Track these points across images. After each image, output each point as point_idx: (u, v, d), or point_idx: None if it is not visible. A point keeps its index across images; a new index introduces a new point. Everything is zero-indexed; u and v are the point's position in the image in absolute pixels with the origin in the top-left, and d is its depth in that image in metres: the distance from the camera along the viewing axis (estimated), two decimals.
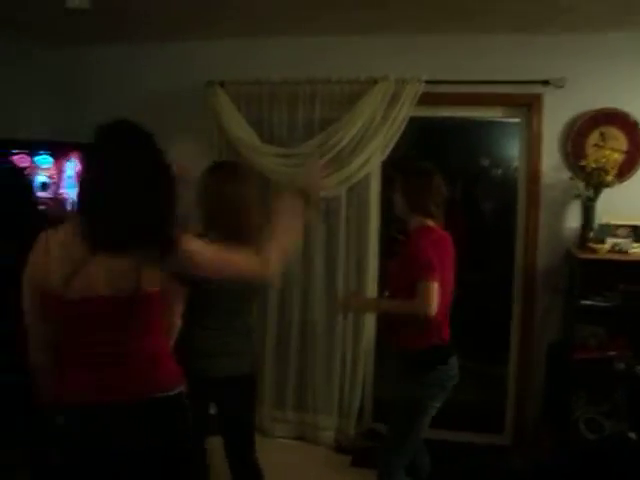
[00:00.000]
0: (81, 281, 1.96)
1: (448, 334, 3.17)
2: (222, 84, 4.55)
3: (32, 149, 4.44)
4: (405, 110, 4.31)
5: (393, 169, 3.33)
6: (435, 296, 2.91)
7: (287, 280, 4.61)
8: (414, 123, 4.45)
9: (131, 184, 2.00)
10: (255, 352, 3.24)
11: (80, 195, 2.08)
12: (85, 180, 2.12)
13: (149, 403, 2.07)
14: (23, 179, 4.24)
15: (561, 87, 4.25)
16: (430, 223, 3.14)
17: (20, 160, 4.39)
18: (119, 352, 2.06)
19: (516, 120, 4.61)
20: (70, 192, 4.51)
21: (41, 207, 4.44)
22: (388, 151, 4.36)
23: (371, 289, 4.47)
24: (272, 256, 2.17)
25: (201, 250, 2.12)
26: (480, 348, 5.42)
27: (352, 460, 4.35)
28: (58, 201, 4.41)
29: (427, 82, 4.29)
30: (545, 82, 4.25)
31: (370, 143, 4.33)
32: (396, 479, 3.12)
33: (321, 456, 4.48)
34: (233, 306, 2.98)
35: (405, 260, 3.10)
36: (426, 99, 4.32)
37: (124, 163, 2.01)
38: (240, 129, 4.52)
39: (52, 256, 1.97)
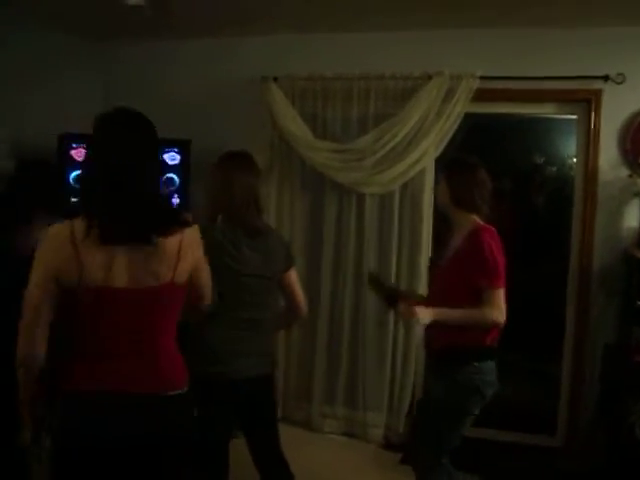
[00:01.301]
0: (121, 271, 1.97)
1: (497, 338, 3.04)
2: (276, 79, 4.57)
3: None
4: (460, 106, 4.28)
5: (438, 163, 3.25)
6: (503, 302, 2.85)
7: (339, 277, 4.63)
8: (468, 119, 4.42)
9: (141, 172, 2.03)
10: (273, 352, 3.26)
11: (89, 187, 2.11)
12: (91, 172, 2.12)
13: (165, 399, 2.09)
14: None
15: (620, 83, 4.16)
16: (475, 218, 3.03)
17: (78, 154, 4.48)
18: (151, 346, 2.09)
19: (572, 117, 4.53)
20: None
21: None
22: (442, 147, 4.33)
23: (423, 287, 4.43)
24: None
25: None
26: (533, 346, 5.35)
27: (402, 457, 4.33)
28: None
29: (482, 78, 4.25)
30: (605, 77, 4.17)
31: (424, 139, 4.31)
32: (438, 474, 3.08)
33: (370, 453, 4.47)
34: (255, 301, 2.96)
35: (464, 262, 2.94)
36: (481, 95, 4.28)
37: (132, 151, 2.03)
38: (294, 124, 4.53)
39: (81, 249, 1.93)
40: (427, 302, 3.07)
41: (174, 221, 2.09)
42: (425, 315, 2.88)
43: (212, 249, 2.45)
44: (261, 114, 4.65)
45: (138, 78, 5.08)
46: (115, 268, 1.96)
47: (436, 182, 3.20)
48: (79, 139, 4.50)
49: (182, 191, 4.61)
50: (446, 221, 3.25)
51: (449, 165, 3.21)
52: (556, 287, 4.72)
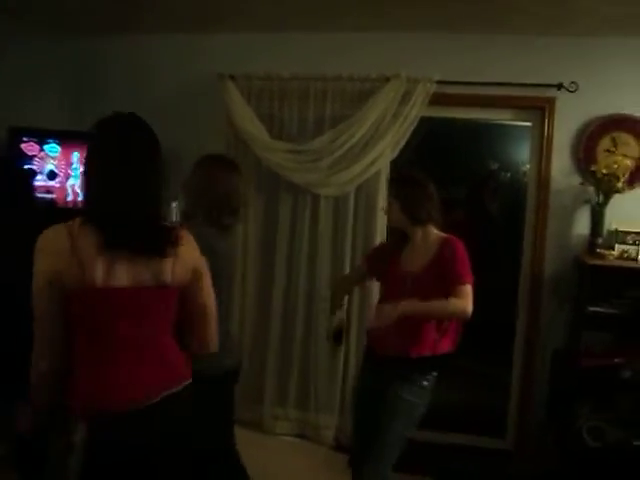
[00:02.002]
0: (122, 272, 1.96)
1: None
2: (233, 77, 4.53)
3: (41, 137, 4.44)
4: (416, 109, 4.29)
5: (389, 181, 3.29)
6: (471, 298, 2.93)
7: (292, 277, 4.61)
8: (424, 124, 4.44)
9: (138, 178, 2.01)
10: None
11: (90, 192, 2.05)
12: (92, 177, 2.05)
13: (175, 394, 2.09)
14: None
15: (574, 91, 4.22)
16: (433, 228, 3.12)
17: (29, 148, 4.39)
18: (154, 344, 2.08)
19: (527, 124, 4.58)
20: (76, 182, 4.51)
21: (44, 195, 4.45)
22: (398, 150, 4.35)
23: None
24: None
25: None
26: (484, 350, 5.40)
27: (349, 459, 4.32)
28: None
29: (439, 82, 4.27)
30: (558, 86, 4.22)
31: (380, 141, 4.31)
32: (388, 477, 3.06)
33: (321, 455, 4.45)
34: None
35: (439, 270, 3.01)
36: (437, 99, 4.30)
37: (130, 157, 2.01)
38: (250, 124, 4.49)
39: (81, 251, 1.90)
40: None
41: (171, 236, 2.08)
42: (409, 306, 2.89)
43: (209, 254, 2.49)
44: (217, 113, 4.60)
45: (95, 74, 4.99)
46: (117, 268, 1.94)
47: (389, 198, 3.18)
48: (30, 133, 4.43)
49: None
50: (393, 235, 3.36)
51: (398, 183, 3.21)
52: (508, 292, 4.77)
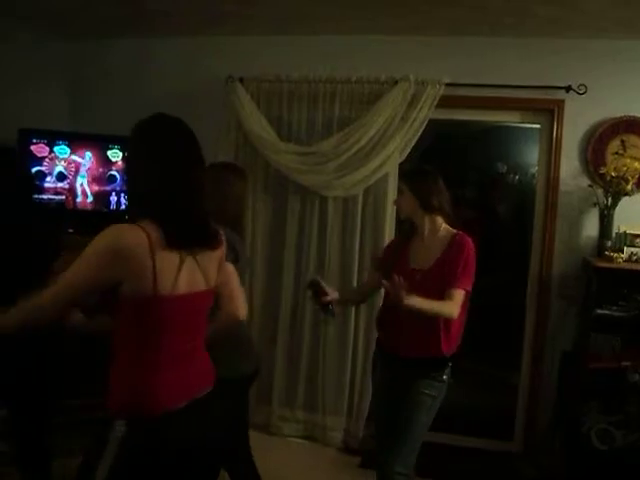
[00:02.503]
0: (184, 278, 1.98)
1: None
2: (242, 80, 4.54)
3: (51, 139, 4.46)
4: (425, 112, 4.30)
5: (400, 176, 3.31)
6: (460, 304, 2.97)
7: (300, 279, 4.62)
8: (433, 127, 4.44)
9: (196, 180, 2.05)
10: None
11: (149, 195, 2.00)
12: (150, 179, 2.00)
13: (207, 396, 2.14)
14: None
15: (583, 94, 4.21)
16: (442, 220, 3.14)
17: (39, 150, 4.42)
18: (196, 347, 2.13)
19: (536, 126, 4.58)
20: (83, 183, 4.54)
21: (53, 197, 4.48)
22: (406, 152, 4.35)
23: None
24: None
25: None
26: (492, 353, 5.39)
27: (360, 462, 4.33)
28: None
29: (447, 84, 4.27)
30: (567, 88, 4.21)
31: (389, 144, 4.31)
32: (409, 475, 3.09)
33: (329, 456, 4.47)
34: None
35: (445, 268, 3.03)
36: (446, 101, 4.31)
37: (187, 158, 2.04)
38: (259, 126, 4.51)
39: (157, 258, 1.89)
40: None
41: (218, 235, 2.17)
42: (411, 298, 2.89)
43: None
44: (226, 115, 4.61)
45: (104, 77, 5.02)
46: (181, 274, 1.96)
47: (401, 187, 3.20)
48: (40, 135, 4.45)
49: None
50: (402, 228, 3.37)
51: (410, 175, 3.24)
52: (516, 294, 4.76)
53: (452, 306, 2.94)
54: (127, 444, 1.92)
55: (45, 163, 4.46)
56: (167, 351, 1.99)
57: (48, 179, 4.48)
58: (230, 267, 2.65)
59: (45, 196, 4.41)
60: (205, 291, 2.08)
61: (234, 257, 2.72)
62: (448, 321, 3.02)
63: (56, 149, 4.47)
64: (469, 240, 3.08)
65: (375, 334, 3.49)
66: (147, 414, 1.94)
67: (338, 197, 4.53)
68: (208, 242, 2.07)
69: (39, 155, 4.44)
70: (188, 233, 1.98)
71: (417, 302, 2.86)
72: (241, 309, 2.58)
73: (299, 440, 4.68)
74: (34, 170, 4.40)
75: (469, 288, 3.00)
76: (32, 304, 1.91)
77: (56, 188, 4.51)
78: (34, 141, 4.43)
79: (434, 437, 4.14)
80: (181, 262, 1.95)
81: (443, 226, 3.14)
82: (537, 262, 4.47)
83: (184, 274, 1.96)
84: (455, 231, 3.13)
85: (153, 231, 1.88)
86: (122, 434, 1.92)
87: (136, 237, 1.86)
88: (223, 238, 2.19)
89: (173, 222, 1.93)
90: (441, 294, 2.95)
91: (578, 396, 4.01)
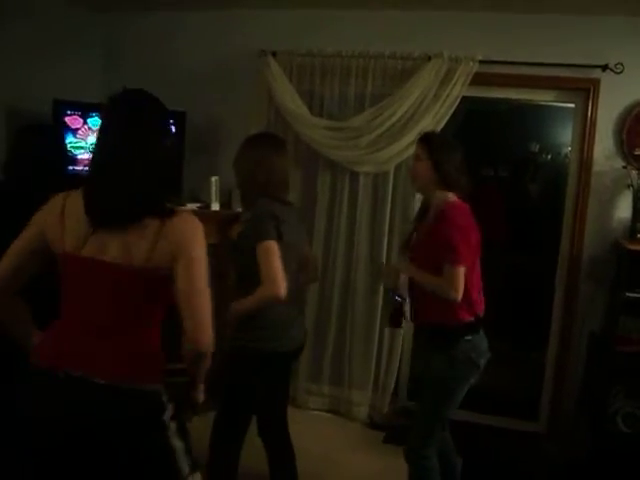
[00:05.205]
0: (93, 244, 1.96)
1: (482, 310, 3.06)
2: (274, 54, 4.54)
3: (85, 111, 4.50)
4: (458, 89, 4.25)
5: (419, 140, 3.16)
6: (461, 281, 2.84)
7: (330, 254, 4.64)
8: (466, 103, 4.40)
9: (129, 152, 1.98)
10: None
11: (89, 165, 2.14)
12: (94, 150, 2.12)
13: (123, 391, 1.94)
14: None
15: (619, 73, 4.14)
16: (451, 196, 3.01)
17: (73, 121, 4.45)
18: (113, 327, 1.99)
19: (569, 105, 4.52)
20: None
21: (84, 168, 4.49)
22: (439, 129, 4.30)
23: None
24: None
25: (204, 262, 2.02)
26: (519, 332, 5.38)
27: (385, 437, 4.36)
28: None
29: (481, 62, 4.22)
30: (603, 67, 4.15)
31: (421, 120, 4.28)
32: (428, 457, 3.09)
33: (354, 431, 4.50)
34: None
35: (431, 241, 2.99)
36: (479, 79, 4.26)
37: (124, 131, 2.00)
38: (290, 100, 4.50)
39: (66, 220, 1.98)
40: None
41: (150, 210, 1.98)
42: (405, 267, 3.00)
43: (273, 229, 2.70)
44: (258, 88, 4.61)
45: (137, 49, 5.03)
46: (90, 239, 1.96)
47: (420, 155, 3.03)
48: (74, 106, 4.48)
49: (176, 162, 4.57)
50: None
51: (431, 140, 3.09)
52: (545, 274, 4.74)
53: (445, 286, 2.86)
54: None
55: (79, 134, 4.50)
56: (69, 308, 2.03)
57: (82, 151, 4.52)
58: (265, 245, 2.66)
59: (79, 167, 4.44)
60: (119, 265, 1.94)
61: (277, 234, 2.71)
62: None
63: (90, 121, 4.51)
64: (453, 212, 2.94)
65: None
66: (31, 365, 1.98)
67: (369, 173, 4.52)
68: (119, 219, 1.95)
69: (73, 127, 4.48)
70: (96, 205, 1.97)
71: (412, 272, 3.00)
72: (276, 288, 2.58)
73: (324, 414, 4.72)
74: (68, 141, 4.43)
75: (460, 262, 2.84)
76: None
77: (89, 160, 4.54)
78: (68, 112, 4.47)
79: (459, 414, 4.16)
80: (91, 228, 1.97)
81: (449, 199, 3.01)
82: (567, 243, 4.43)
83: (93, 239, 1.96)
84: (450, 201, 2.99)
85: (76, 196, 2.01)
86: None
87: (54, 200, 2.04)
88: (175, 218, 2.00)
89: (87, 191, 2.00)
90: (436, 269, 2.90)
91: (605, 379, 4.00)
